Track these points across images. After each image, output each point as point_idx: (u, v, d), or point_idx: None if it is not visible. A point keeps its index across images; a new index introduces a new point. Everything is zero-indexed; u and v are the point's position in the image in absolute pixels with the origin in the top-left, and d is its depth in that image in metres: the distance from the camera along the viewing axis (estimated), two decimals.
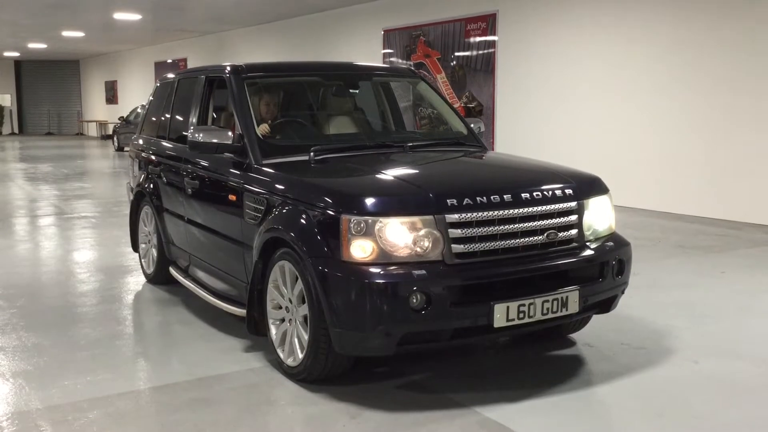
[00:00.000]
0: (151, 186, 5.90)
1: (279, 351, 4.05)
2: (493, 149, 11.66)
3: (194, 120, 5.24)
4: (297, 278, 3.82)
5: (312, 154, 4.38)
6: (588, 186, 4.13)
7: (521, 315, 3.61)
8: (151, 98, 6.44)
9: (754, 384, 3.93)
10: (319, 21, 16.68)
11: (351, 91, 5.56)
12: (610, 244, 4.09)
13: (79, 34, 21.61)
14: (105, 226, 9.04)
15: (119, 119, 23.86)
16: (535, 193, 3.83)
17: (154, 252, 5.99)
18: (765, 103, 8.59)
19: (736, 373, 4.06)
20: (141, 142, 6.33)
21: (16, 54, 29.81)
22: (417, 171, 4.35)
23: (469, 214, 3.62)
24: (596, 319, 4.62)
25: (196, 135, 4.55)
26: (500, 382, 3.96)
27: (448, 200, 3.63)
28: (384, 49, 14.67)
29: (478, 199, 3.68)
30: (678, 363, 4.21)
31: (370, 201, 3.60)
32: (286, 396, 3.81)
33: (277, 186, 4.12)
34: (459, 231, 3.60)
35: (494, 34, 12.19)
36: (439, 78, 13.34)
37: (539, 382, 3.93)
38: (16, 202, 11.68)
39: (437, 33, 13.33)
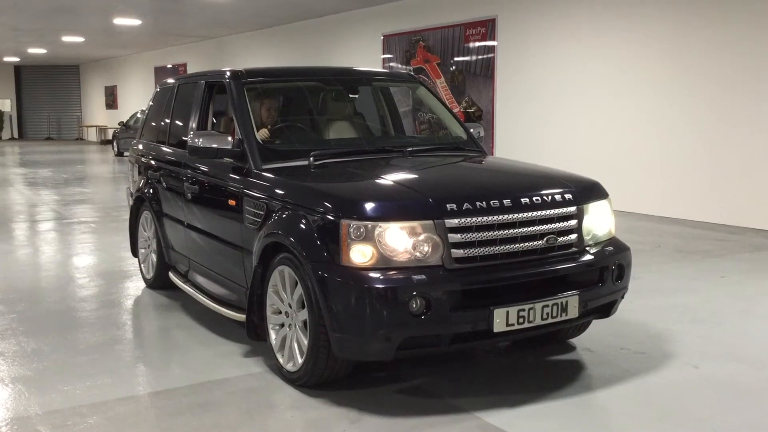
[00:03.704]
0: (151, 191, 5.90)
1: (279, 356, 4.05)
2: (492, 154, 11.67)
3: (194, 125, 5.25)
4: (297, 283, 3.82)
5: (311, 158, 4.39)
6: (587, 191, 4.13)
7: (521, 320, 3.61)
8: (150, 103, 6.45)
9: (754, 388, 3.93)
10: (318, 26, 16.70)
11: (351, 96, 5.56)
12: (610, 248, 4.09)
13: (79, 39, 21.63)
14: (104, 231, 9.04)
15: (119, 124, 23.88)
16: (534, 198, 3.84)
17: (154, 257, 5.99)
18: (765, 106, 8.60)
19: (737, 377, 4.06)
20: (141, 147, 6.34)
21: (16, 59, 29.82)
22: (416, 176, 4.35)
23: (468, 219, 3.62)
24: (596, 324, 4.62)
25: (196, 140, 4.56)
26: (500, 386, 3.96)
27: (447, 205, 3.63)
28: (383, 54, 14.70)
29: (477, 203, 3.68)
30: (678, 367, 4.21)
31: (369, 206, 3.60)
32: (286, 400, 3.81)
33: (277, 191, 4.13)
34: (459, 236, 3.60)
35: (493, 39, 12.21)
36: (438, 83, 13.36)
37: (539, 386, 3.92)
38: (16, 207, 11.68)
39: (437, 38, 13.35)
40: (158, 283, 6.01)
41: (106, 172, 18.39)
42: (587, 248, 4.00)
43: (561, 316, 3.73)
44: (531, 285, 3.75)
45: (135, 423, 3.58)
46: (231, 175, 4.58)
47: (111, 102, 30.97)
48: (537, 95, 11.57)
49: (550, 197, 3.89)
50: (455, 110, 12.57)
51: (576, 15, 10.87)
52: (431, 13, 13.44)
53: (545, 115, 11.44)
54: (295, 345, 3.90)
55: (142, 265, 6.33)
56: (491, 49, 12.28)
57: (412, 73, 6.74)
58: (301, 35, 17.43)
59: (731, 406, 3.71)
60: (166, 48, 24.73)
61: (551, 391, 3.86)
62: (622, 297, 4.18)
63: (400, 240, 3.55)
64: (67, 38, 21.39)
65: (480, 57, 12.51)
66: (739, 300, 5.66)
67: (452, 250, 3.58)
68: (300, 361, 3.85)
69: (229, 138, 4.56)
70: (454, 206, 3.63)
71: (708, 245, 7.80)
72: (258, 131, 4.64)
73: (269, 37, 18.92)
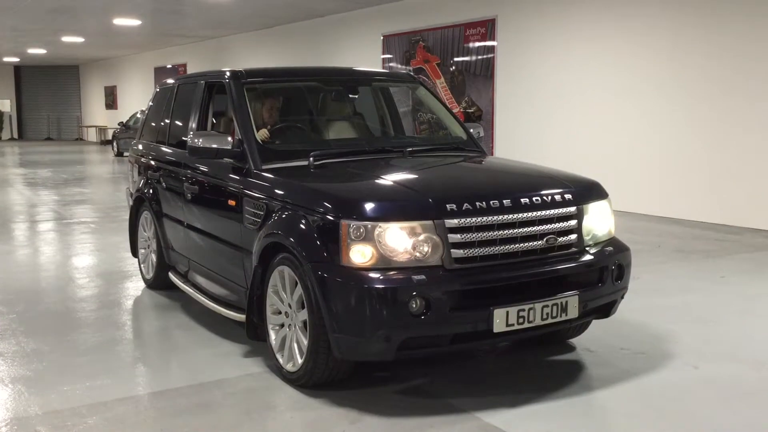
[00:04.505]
0: (151, 191, 5.90)
1: (278, 356, 4.05)
2: (492, 154, 11.67)
3: (194, 125, 5.25)
4: (296, 283, 3.82)
5: (311, 159, 4.39)
6: (587, 191, 4.13)
7: (521, 320, 3.61)
8: (150, 103, 6.44)
9: (754, 388, 3.93)
10: (318, 26, 16.70)
11: (350, 96, 5.56)
12: (610, 248, 4.09)
13: (79, 39, 21.63)
14: (104, 232, 9.04)
15: (119, 124, 23.89)
16: (534, 198, 3.83)
17: (154, 257, 5.99)
18: (765, 106, 8.60)
19: (736, 377, 4.06)
20: (140, 147, 6.34)
21: (15, 59, 29.83)
22: (416, 176, 4.35)
23: (468, 219, 3.62)
24: (596, 324, 4.62)
25: (196, 140, 4.56)
26: (500, 387, 3.96)
27: (447, 205, 3.63)
28: (383, 54, 14.70)
29: (477, 204, 3.68)
30: (678, 367, 4.21)
31: (369, 206, 3.60)
32: (286, 401, 3.80)
33: (277, 191, 4.12)
34: (458, 236, 3.60)
35: (493, 39, 12.21)
36: (438, 83, 13.36)
37: (539, 387, 3.92)
38: (16, 207, 11.68)
39: (436, 38, 13.35)
40: (158, 283, 6.01)
41: (106, 172, 18.39)
42: (587, 248, 4.00)
43: (561, 316, 3.73)
44: (531, 285, 3.75)
45: (134, 423, 3.57)
46: (231, 175, 4.57)
47: (111, 102, 30.97)
48: (537, 95, 11.57)
49: (549, 197, 3.89)
50: (455, 110, 12.57)
51: (576, 15, 10.87)
52: (431, 13, 13.44)
53: (545, 115, 11.44)
54: (295, 345, 3.90)
55: (141, 266, 6.33)
56: (491, 49, 12.28)
57: (411, 74, 6.74)
58: (301, 35, 17.43)
59: (731, 406, 3.71)
60: (165, 48, 24.73)
61: (551, 391, 3.86)
62: (622, 297, 4.18)
63: (400, 240, 3.55)
64: (66, 38, 21.39)
65: (480, 57, 12.51)
66: (739, 300, 5.66)
67: (452, 251, 3.58)
68: (300, 361, 3.84)
69: (229, 138, 4.56)
70: (453, 206, 3.63)
71: (708, 245, 7.80)
72: (258, 131, 4.64)
73: (269, 37, 18.92)
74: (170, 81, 6.17)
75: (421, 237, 3.56)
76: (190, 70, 22.26)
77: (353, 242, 3.54)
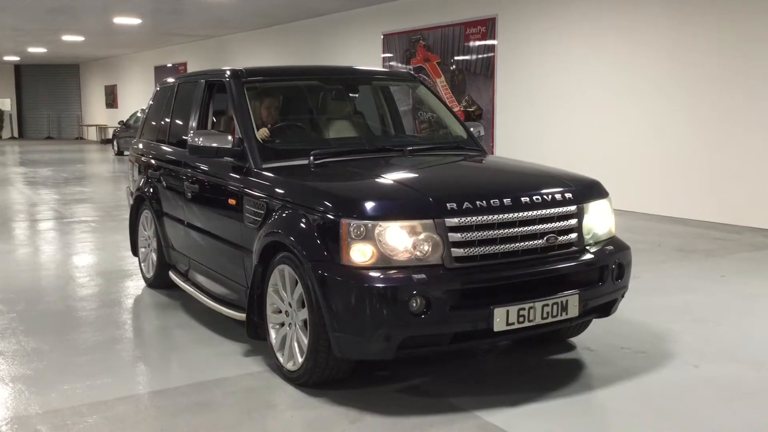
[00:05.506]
0: (151, 190, 5.90)
1: (279, 355, 4.05)
2: (492, 153, 11.67)
3: (194, 124, 5.24)
4: (297, 282, 3.82)
5: (312, 158, 4.39)
6: (588, 190, 4.13)
7: (521, 319, 3.61)
8: (150, 102, 6.44)
9: (754, 387, 3.92)
10: (318, 25, 16.70)
11: (351, 95, 5.56)
12: (610, 247, 4.09)
13: (79, 38, 21.63)
14: (104, 231, 9.04)
15: (119, 123, 23.89)
16: (534, 197, 3.83)
17: (154, 256, 5.99)
18: (765, 106, 8.60)
19: (736, 377, 4.06)
20: (141, 146, 6.34)
21: (16, 58, 29.82)
22: (417, 175, 4.35)
23: (468, 218, 3.62)
24: (596, 323, 4.62)
25: (196, 139, 4.56)
26: (500, 386, 3.96)
27: (447, 204, 3.63)
28: (384, 53, 14.69)
29: (477, 203, 3.68)
30: (678, 367, 4.21)
31: (369, 205, 3.60)
32: (286, 400, 3.80)
33: (277, 190, 4.12)
34: (459, 235, 3.60)
35: (494, 38, 12.21)
36: (438, 82, 13.36)
37: (539, 386, 3.92)
38: (16, 206, 11.68)
39: (437, 37, 13.35)
40: (158, 282, 6.01)
41: (106, 171, 18.39)
42: (587, 247, 3.99)
43: (561, 315, 3.73)
44: (531, 284, 3.75)
45: (135, 422, 3.57)
46: (231, 174, 4.57)
47: (111, 101, 30.97)
48: (537, 94, 11.57)
49: (550, 196, 3.89)
50: (455, 109, 12.56)
51: (576, 14, 10.87)
52: (431, 12, 13.44)
53: (545, 115, 11.44)
54: (295, 344, 3.90)
55: (142, 265, 6.33)
56: (491, 48, 12.28)
57: (412, 72, 6.73)
58: (301, 35, 17.43)
59: (731, 406, 3.71)
60: (166, 47, 24.73)
61: (551, 390, 3.86)
62: (622, 296, 4.18)
63: (400, 239, 3.55)
64: (67, 37, 21.39)
65: (480, 56, 12.51)
66: (739, 299, 5.66)
67: (452, 249, 3.58)
68: (300, 360, 3.85)
69: (229, 137, 4.56)
70: (454, 205, 3.63)
71: (708, 244, 7.80)
72: (258, 130, 4.64)
73: (269, 37, 18.91)
74: (170, 80, 6.17)
75: (422, 236, 3.56)
76: (191, 69, 22.26)
77: (353, 241, 3.54)
